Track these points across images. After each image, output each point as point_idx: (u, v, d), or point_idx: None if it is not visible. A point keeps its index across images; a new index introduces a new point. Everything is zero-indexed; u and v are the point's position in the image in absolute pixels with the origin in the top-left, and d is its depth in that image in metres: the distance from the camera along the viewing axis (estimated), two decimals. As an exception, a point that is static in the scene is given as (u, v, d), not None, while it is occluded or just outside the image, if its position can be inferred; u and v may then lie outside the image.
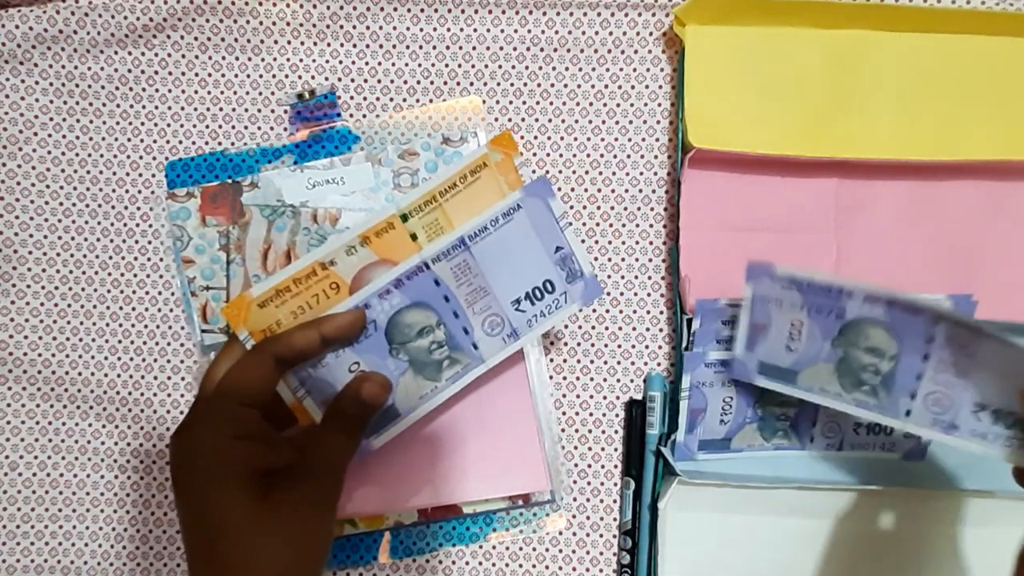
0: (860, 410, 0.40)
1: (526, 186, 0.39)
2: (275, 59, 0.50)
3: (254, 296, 0.37)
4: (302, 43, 0.50)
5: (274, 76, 0.50)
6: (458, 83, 0.50)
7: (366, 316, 0.38)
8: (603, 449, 0.49)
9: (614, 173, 0.50)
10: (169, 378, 0.50)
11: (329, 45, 0.50)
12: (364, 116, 0.50)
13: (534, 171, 0.50)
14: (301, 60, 0.50)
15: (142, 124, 0.50)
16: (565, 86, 0.50)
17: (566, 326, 0.49)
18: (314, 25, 0.50)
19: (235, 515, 0.32)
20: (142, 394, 0.50)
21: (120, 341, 0.50)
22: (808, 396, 0.42)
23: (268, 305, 0.37)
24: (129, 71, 0.50)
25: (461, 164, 0.39)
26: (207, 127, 0.50)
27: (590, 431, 0.49)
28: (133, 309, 0.50)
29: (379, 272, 0.38)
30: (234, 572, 0.32)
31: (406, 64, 0.50)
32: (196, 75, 0.50)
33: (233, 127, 0.50)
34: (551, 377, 0.49)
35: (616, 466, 0.49)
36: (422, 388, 0.40)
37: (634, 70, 0.49)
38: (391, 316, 0.38)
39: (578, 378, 0.49)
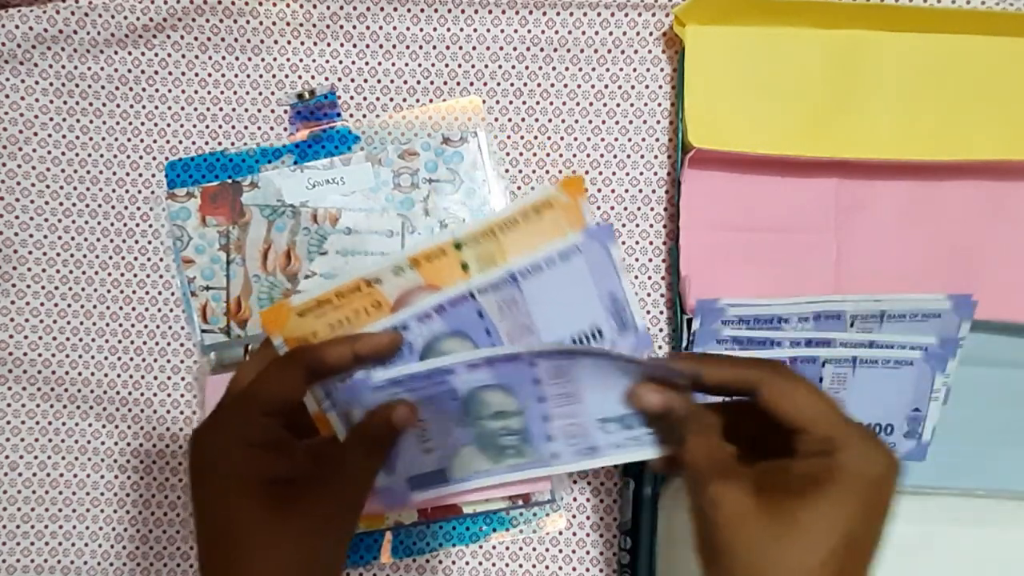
0: (515, 473, 0.39)
1: (589, 230, 0.37)
2: (275, 59, 0.50)
3: (295, 305, 0.36)
4: (302, 43, 0.50)
5: (274, 76, 0.50)
6: (458, 83, 0.50)
7: (402, 339, 0.36)
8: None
9: (614, 173, 0.50)
10: (169, 378, 0.50)
11: (329, 45, 0.50)
12: (364, 116, 0.50)
13: (534, 170, 0.50)
14: (301, 60, 0.50)
15: (142, 124, 0.50)
16: (565, 86, 0.50)
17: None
18: (314, 25, 0.50)
19: (244, 522, 0.32)
20: (142, 394, 0.50)
21: (120, 341, 0.50)
22: (467, 486, 0.39)
23: (307, 315, 0.36)
24: (129, 71, 0.50)
25: (526, 200, 0.37)
26: (207, 127, 0.50)
27: (590, 431, 0.49)
28: (133, 309, 0.50)
29: (423, 297, 0.37)
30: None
31: (406, 64, 0.50)
32: (196, 75, 0.50)
33: (233, 127, 0.50)
34: (551, 377, 0.49)
35: (616, 466, 0.49)
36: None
37: (634, 70, 0.49)
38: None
39: (578, 378, 0.49)
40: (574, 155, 0.50)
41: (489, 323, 0.37)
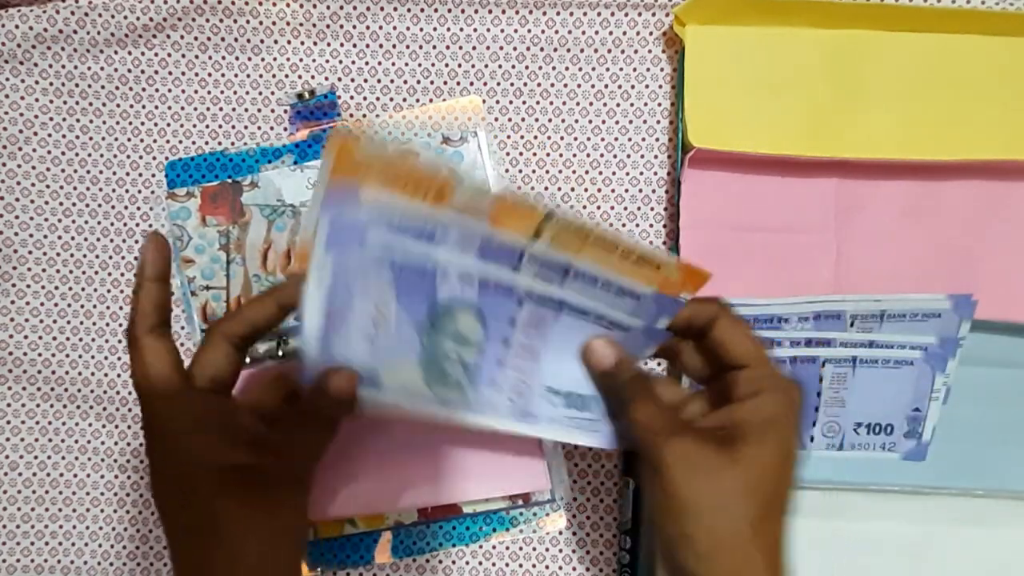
0: (439, 408, 0.35)
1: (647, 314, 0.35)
2: (275, 59, 0.50)
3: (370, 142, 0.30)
4: (302, 43, 0.50)
5: (274, 76, 0.50)
6: (458, 83, 0.50)
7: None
8: (603, 449, 0.49)
9: (614, 173, 0.50)
10: (169, 378, 0.50)
11: (329, 45, 0.50)
12: (364, 116, 0.50)
13: (534, 170, 0.50)
14: (301, 60, 0.50)
15: (142, 124, 0.50)
16: (565, 86, 0.50)
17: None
18: (314, 25, 0.50)
19: (196, 509, 0.32)
20: (142, 394, 0.50)
21: (120, 341, 0.50)
22: (379, 397, 0.34)
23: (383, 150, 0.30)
24: (129, 71, 0.50)
25: (640, 244, 0.34)
26: (207, 127, 0.50)
27: (590, 431, 0.49)
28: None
29: (473, 228, 0.32)
30: (201, 566, 0.32)
31: (406, 64, 0.50)
32: (196, 75, 0.50)
33: (233, 127, 0.50)
34: (551, 377, 0.49)
35: (616, 466, 0.49)
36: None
37: (634, 70, 0.49)
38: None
39: (578, 378, 0.49)
40: (574, 155, 0.50)
41: (510, 331, 0.35)
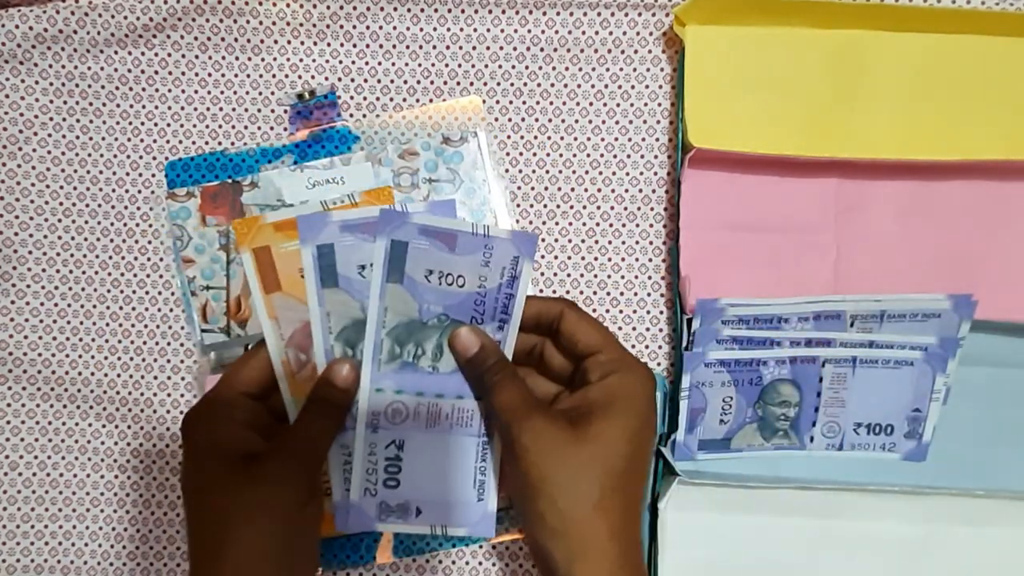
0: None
1: None
2: (275, 59, 0.50)
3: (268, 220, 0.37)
4: (302, 43, 0.50)
5: (274, 76, 0.50)
6: (458, 83, 0.50)
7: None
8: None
9: (614, 173, 0.50)
10: (169, 378, 0.50)
11: (329, 45, 0.50)
12: (364, 116, 0.50)
13: (534, 170, 0.50)
14: (301, 60, 0.50)
15: (142, 124, 0.50)
16: (565, 86, 0.50)
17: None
18: (314, 25, 0.50)
19: (214, 492, 0.34)
20: (142, 394, 0.50)
21: (120, 341, 0.50)
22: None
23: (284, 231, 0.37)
24: (129, 71, 0.50)
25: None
26: (207, 127, 0.50)
27: (590, 431, 0.49)
28: (133, 309, 0.50)
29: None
30: (216, 548, 0.33)
31: (406, 64, 0.50)
32: (196, 75, 0.50)
33: (233, 127, 0.50)
34: (551, 377, 0.49)
35: (616, 466, 0.49)
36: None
37: (634, 70, 0.49)
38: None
39: (578, 378, 0.49)
40: (574, 155, 0.50)
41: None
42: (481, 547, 0.49)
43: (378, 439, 0.37)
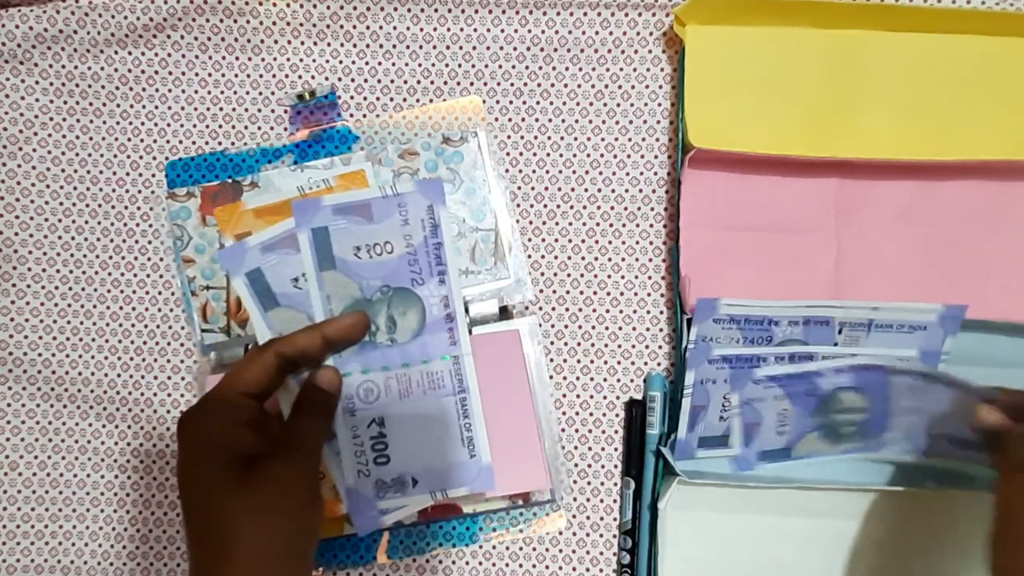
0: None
1: None
2: (275, 59, 0.50)
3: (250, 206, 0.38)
4: (302, 43, 0.50)
5: (274, 76, 0.50)
6: (458, 83, 0.50)
7: (368, 319, 0.38)
8: (603, 449, 0.49)
9: (614, 173, 0.50)
10: (169, 378, 0.50)
11: (329, 45, 0.50)
12: (364, 116, 0.50)
13: (534, 170, 0.50)
14: (301, 60, 0.50)
15: (142, 124, 0.50)
16: (565, 86, 0.50)
17: (566, 326, 0.49)
18: (314, 25, 0.50)
19: (216, 493, 0.34)
20: (142, 394, 0.50)
21: (120, 341, 0.50)
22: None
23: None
24: (129, 71, 0.50)
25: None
26: (207, 127, 0.50)
27: (590, 431, 0.49)
28: (133, 309, 0.50)
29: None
30: (219, 548, 0.33)
31: (406, 64, 0.50)
32: (196, 75, 0.50)
33: (233, 127, 0.50)
34: (551, 377, 0.49)
35: (616, 466, 0.49)
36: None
37: (634, 70, 0.50)
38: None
39: (578, 378, 0.49)
40: (574, 155, 0.50)
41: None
42: (481, 547, 0.49)
43: (358, 421, 0.38)
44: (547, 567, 0.49)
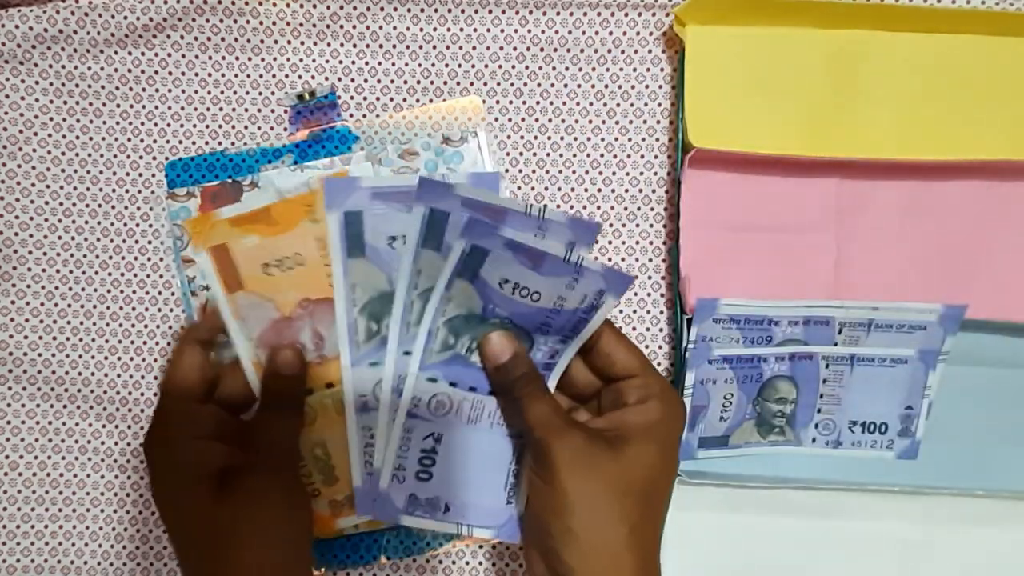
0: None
1: None
2: (275, 59, 0.50)
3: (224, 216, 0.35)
4: (302, 43, 0.50)
5: (274, 76, 0.50)
6: (458, 83, 0.50)
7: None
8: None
9: (614, 173, 0.50)
10: (169, 378, 0.50)
11: (329, 45, 0.50)
12: (364, 116, 0.50)
13: (534, 170, 0.50)
14: (301, 60, 0.50)
15: (142, 124, 0.50)
16: (565, 86, 0.50)
17: (566, 326, 0.49)
18: (314, 25, 0.50)
19: (198, 517, 0.32)
20: (142, 394, 0.50)
21: (120, 341, 0.50)
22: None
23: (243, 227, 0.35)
24: (129, 71, 0.50)
25: None
26: (207, 127, 0.50)
27: (590, 431, 0.49)
28: (133, 309, 0.50)
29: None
30: (216, 573, 0.32)
31: (406, 64, 0.50)
32: (196, 75, 0.50)
33: (233, 127, 0.50)
34: (551, 377, 0.49)
35: (616, 466, 0.49)
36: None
37: (634, 70, 0.49)
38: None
39: (578, 378, 0.49)
40: (574, 155, 0.50)
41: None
42: (481, 547, 0.49)
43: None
44: (547, 567, 0.49)
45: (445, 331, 0.35)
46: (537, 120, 0.50)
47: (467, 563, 0.49)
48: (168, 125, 0.50)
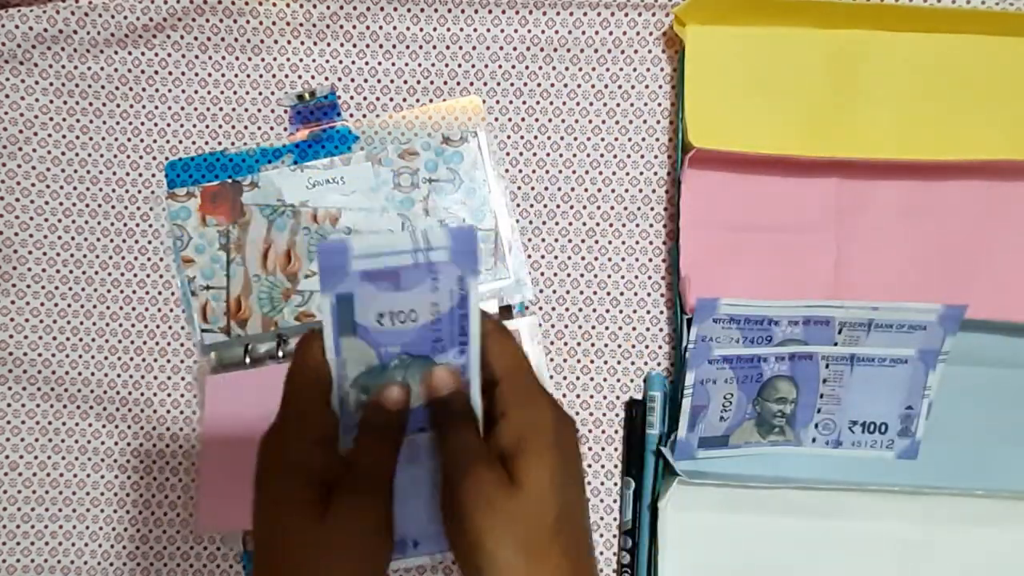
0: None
1: None
2: (275, 59, 0.50)
3: None
4: (302, 43, 0.50)
5: (274, 76, 0.50)
6: (458, 83, 0.50)
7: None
8: (603, 449, 0.49)
9: (614, 173, 0.50)
10: (169, 378, 0.50)
11: (329, 45, 0.50)
12: (364, 116, 0.50)
13: (534, 170, 0.50)
14: (301, 60, 0.50)
15: (142, 124, 0.50)
16: (565, 86, 0.50)
17: (566, 326, 0.49)
18: (314, 25, 0.50)
19: (295, 520, 0.32)
20: (142, 394, 0.50)
21: (120, 341, 0.50)
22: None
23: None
24: (129, 71, 0.50)
25: None
26: (207, 127, 0.50)
27: (590, 431, 0.49)
28: (133, 309, 0.50)
29: None
30: None
31: (406, 64, 0.50)
32: (196, 75, 0.50)
33: (233, 127, 0.50)
34: (551, 377, 0.49)
35: (616, 466, 0.49)
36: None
37: (634, 70, 0.50)
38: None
39: (578, 378, 0.49)
40: (574, 155, 0.50)
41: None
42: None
43: None
44: (547, 567, 0.49)
45: (355, 392, 0.35)
46: (537, 120, 0.50)
47: (467, 563, 0.49)
48: (168, 125, 0.50)
